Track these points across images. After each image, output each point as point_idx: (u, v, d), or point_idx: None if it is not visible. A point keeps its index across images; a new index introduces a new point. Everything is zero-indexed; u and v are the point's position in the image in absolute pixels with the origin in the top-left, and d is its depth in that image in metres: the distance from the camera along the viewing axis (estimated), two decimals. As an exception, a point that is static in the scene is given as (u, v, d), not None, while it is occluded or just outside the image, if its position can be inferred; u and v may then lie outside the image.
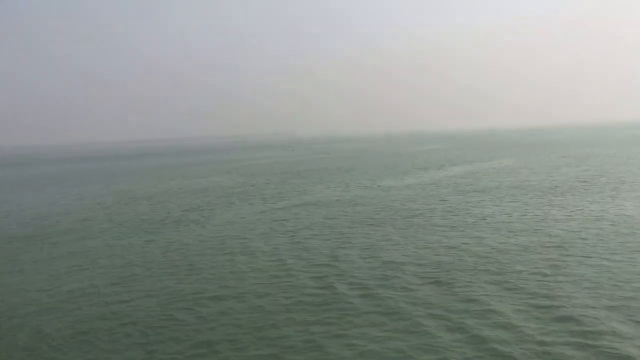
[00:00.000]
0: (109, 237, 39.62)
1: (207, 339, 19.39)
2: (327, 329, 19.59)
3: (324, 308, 21.77)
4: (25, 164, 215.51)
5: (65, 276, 29.29)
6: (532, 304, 21.14)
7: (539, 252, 28.62)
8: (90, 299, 24.86)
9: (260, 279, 26.56)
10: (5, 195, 77.45)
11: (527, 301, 21.44)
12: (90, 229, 43.92)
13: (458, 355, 16.86)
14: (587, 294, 21.78)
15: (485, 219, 38.39)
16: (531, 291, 22.54)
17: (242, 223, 42.67)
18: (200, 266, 29.59)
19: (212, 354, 18.07)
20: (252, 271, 27.96)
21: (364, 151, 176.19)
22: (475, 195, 51.72)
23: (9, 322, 22.60)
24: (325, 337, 18.73)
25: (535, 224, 35.68)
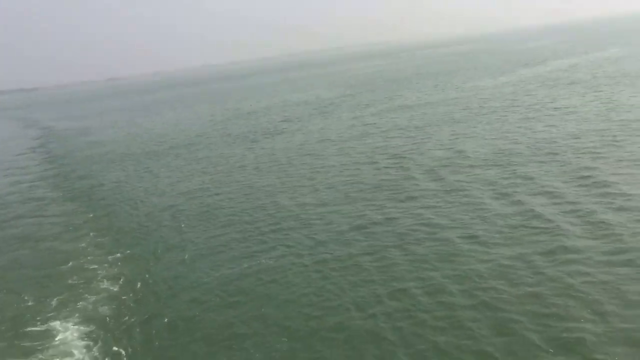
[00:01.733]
0: (217, 148, 45.80)
1: (295, 214, 24.38)
2: (398, 206, 23.69)
3: (398, 190, 25.85)
4: (142, 91, 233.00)
5: (185, 178, 35.71)
6: (580, 176, 23.76)
7: (598, 134, 30.27)
8: (202, 197, 30.83)
9: (344, 170, 31.03)
10: (132, 119, 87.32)
11: (576, 174, 24.12)
12: (203, 142, 50.44)
13: (503, 219, 20.37)
14: (628, 169, 23.89)
15: (559, 109, 39.65)
16: (581, 166, 25.04)
17: (334, 129, 46.92)
18: (292, 165, 34.63)
19: (304, 227, 23.00)
20: (338, 165, 32.50)
21: (467, 54, 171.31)
22: (563, 88, 51.81)
23: (149, 206, 29.39)
24: (398, 213, 22.77)
25: (606, 112, 36.56)
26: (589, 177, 23.47)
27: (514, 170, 26.18)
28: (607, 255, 16.19)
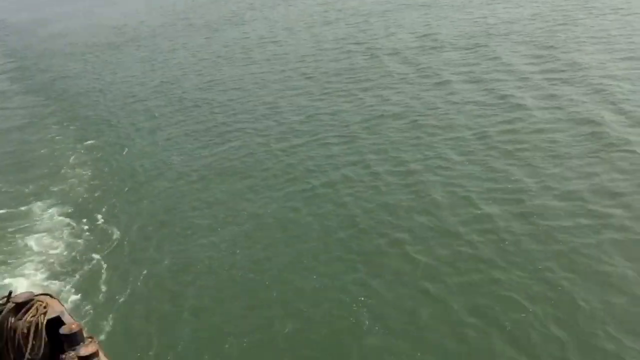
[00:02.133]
0: (180, 38, 44.85)
1: (262, 100, 25.07)
2: (362, 88, 24.28)
3: (363, 74, 26.35)
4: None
5: (149, 69, 35.64)
6: (536, 54, 24.68)
7: (557, 14, 30.81)
8: (168, 86, 31.17)
9: (309, 56, 31.32)
10: (90, 9, 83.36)
11: (533, 52, 25.04)
12: (165, 32, 49.14)
13: (463, 97, 21.36)
14: (587, 46, 24.80)
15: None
16: (538, 44, 25.93)
17: (298, 16, 46.10)
18: (257, 53, 34.64)
19: (270, 112, 23.71)
20: (303, 52, 32.70)
21: None
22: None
23: (115, 97, 29.70)
24: (363, 95, 23.34)
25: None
26: (544, 56, 24.29)
27: (476, 51, 26.79)
28: (551, 123, 17.47)
